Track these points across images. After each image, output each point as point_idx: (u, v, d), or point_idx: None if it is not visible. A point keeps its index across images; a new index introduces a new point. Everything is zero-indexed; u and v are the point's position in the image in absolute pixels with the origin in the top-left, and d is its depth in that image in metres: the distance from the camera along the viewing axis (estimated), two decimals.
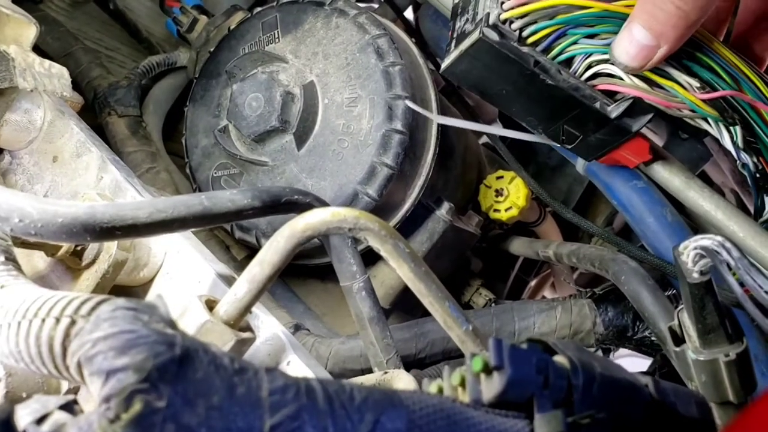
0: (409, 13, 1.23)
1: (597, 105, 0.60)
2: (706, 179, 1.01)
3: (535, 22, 0.57)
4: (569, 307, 0.85)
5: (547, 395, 0.32)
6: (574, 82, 0.59)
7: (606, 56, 0.57)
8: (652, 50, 0.54)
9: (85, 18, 1.09)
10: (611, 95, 0.60)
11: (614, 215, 1.22)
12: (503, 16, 0.57)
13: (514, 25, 0.58)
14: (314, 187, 0.79)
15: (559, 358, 0.34)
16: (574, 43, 0.58)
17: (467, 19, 0.62)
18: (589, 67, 0.59)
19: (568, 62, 0.59)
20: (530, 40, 0.58)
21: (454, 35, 0.64)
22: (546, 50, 0.59)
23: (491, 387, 0.32)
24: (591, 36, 0.58)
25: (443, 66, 0.63)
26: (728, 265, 0.40)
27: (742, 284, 0.41)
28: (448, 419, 0.31)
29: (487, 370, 0.33)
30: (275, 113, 0.79)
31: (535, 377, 0.32)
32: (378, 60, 0.79)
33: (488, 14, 0.58)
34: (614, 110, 0.59)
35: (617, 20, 0.56)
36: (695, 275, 0.42)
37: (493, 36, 0.57)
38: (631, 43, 0.54)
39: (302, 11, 0.85)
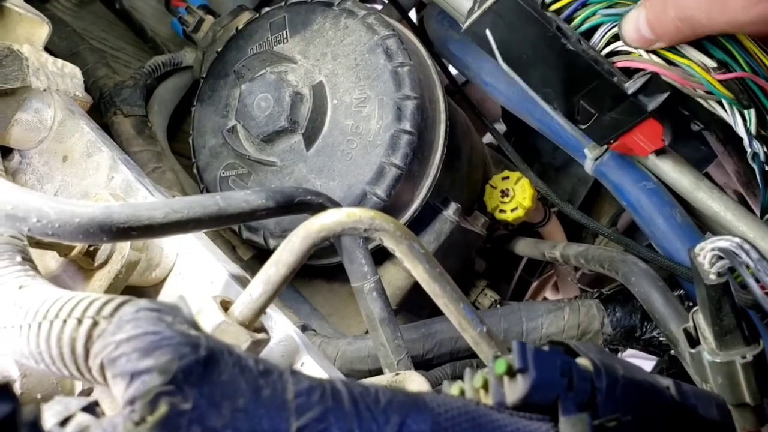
0: (412, 14, 1.23)
1: (615, 80, 0.61)
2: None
3: None
4: (577, 308, 0.85)
5: (571, 398, 0.31)
6: (594, 54, 0.60)
7: None
8: (652, 42, 0.58)
9: (91, 17, 1.09)
10: (629, 75, 0.61)
11: (618, 216, 1.21)
12: None
13: None
14: (323, 187, 0.79)
15: (582, 361, 0.34)
16: (594, 14, 0.59)
17: None
18: (609, 42, 0.60)
19: (589, 36, 0.61)
20: (553, 7, 0.59)
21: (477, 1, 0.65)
22: (568, 21, 0.60)
23: (515, 389, 0.32)
24: (610, 6, 0.59)
25: (465, 25, 0.64)
26: (747, 267, 0.40)
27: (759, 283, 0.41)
28: (473, 422, 0.31)
29: (511, 372, 0.32)
30: (284, 113, 0.79)
31: (560, 380, 0.32)
32: (387, 61, 0.79)
33: None
34: (632, 86, 0.61)
35: None
36: (713, 277, 0.42)
37: None
38: (635, 29, 0.58)
39: (311, 12, 0.85)
